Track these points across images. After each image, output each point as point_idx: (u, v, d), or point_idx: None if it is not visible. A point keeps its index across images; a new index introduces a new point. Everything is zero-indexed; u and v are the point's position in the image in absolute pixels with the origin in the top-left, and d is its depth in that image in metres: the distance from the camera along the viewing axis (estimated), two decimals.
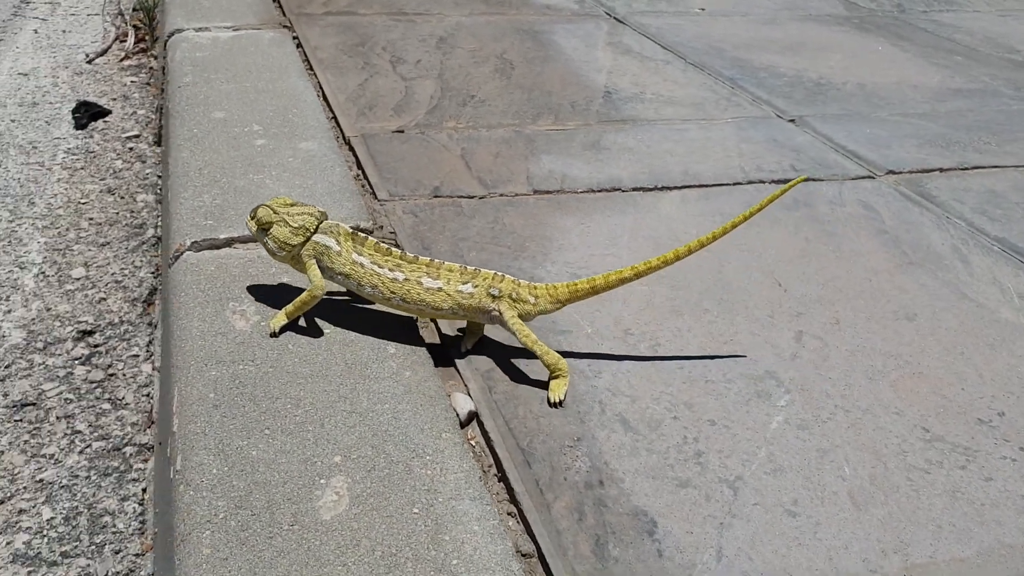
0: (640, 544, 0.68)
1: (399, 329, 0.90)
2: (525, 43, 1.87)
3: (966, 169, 1.43)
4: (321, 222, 0.89)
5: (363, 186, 1.22)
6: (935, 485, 0.76)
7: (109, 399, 1.21)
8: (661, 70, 1.78)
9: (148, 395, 1.20)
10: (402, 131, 1.40)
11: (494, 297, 0.84)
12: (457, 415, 0.79)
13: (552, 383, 0.83)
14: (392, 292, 0.85)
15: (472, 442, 0.78)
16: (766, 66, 1.85)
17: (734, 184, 1.31)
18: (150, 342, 1.31)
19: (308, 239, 0.88)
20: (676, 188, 1.28)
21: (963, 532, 0.72)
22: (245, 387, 0.80)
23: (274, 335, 0.87)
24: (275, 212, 0.89)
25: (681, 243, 1.11)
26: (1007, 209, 1.29)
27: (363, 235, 0.88)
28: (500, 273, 0.85)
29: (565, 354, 0.88)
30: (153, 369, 1.26)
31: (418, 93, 1.56)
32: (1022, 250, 1.18)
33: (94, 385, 1.23)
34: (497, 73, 1.68)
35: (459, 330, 0.92)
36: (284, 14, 1.94)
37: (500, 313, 0.84)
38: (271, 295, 0.94)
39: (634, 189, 1.26)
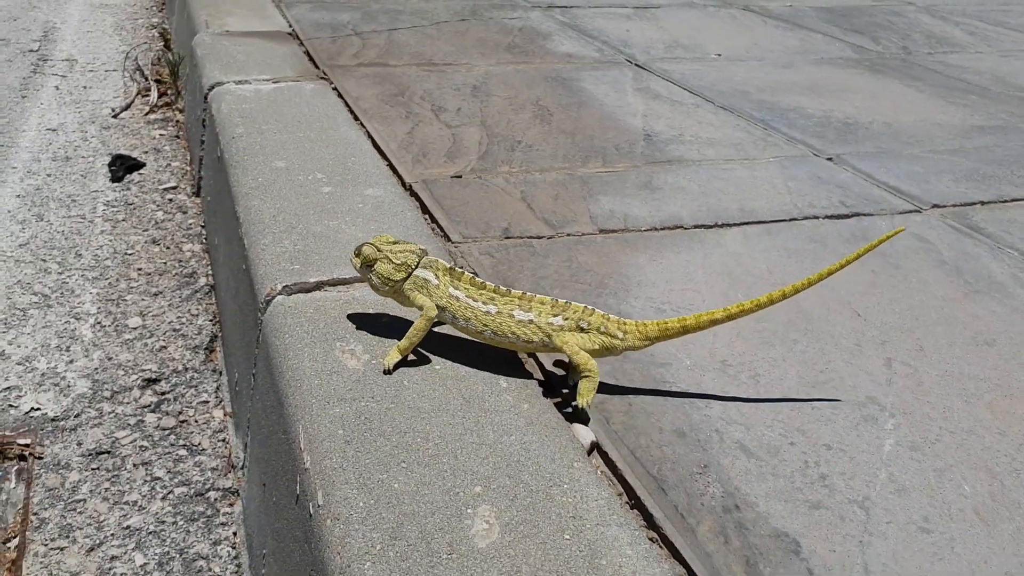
0: (789, 563, 0.69)
1: (505, 364, 0.91)
2: (556, 90, 1.91)
3: (1006, 202, 1.47)
4: (421, 258, 0.92)
5: (434, 229, 1.24)
6: None
7: (185, 445, 1.22)
8: (693, 113, 1.82)
9: (224, 440, 1.21)
10: (460, 176, 1.42)
11: (583, 330, 0.86)
12: (581, 445, 0.80)
13: (582, 384, 0.84)
14: (485, 325, 0.88)
15: (599, 471, 0.79)
16: (793, 107, 1.90)
17: (791, 220, 1.34)
18: (218, 388, 1.32)
19: (410, 274, 0.92)
20: (736, 225, 1.31)
21: None
22: (372, 423, 0.80)
23: (388, 372, 0.88)
24: (379, 250, 0.92)
25: (753, 278, 1.14)
26: None
27: (460, 270, 0.90)
28: (591, 307, 0.87)
29: (668, 386, 0.90)
30: (225, 415, 1.26)
31: (465, 140, 1.59)
32: None
33: (167, 432, 1.23)
34: (537, 119, 1.72)
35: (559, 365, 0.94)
36: (317, 66, 1.97)
37: (565, 342, 0.85)
38: (376, 333, 0.95)
39: (695, 227, 1.29)
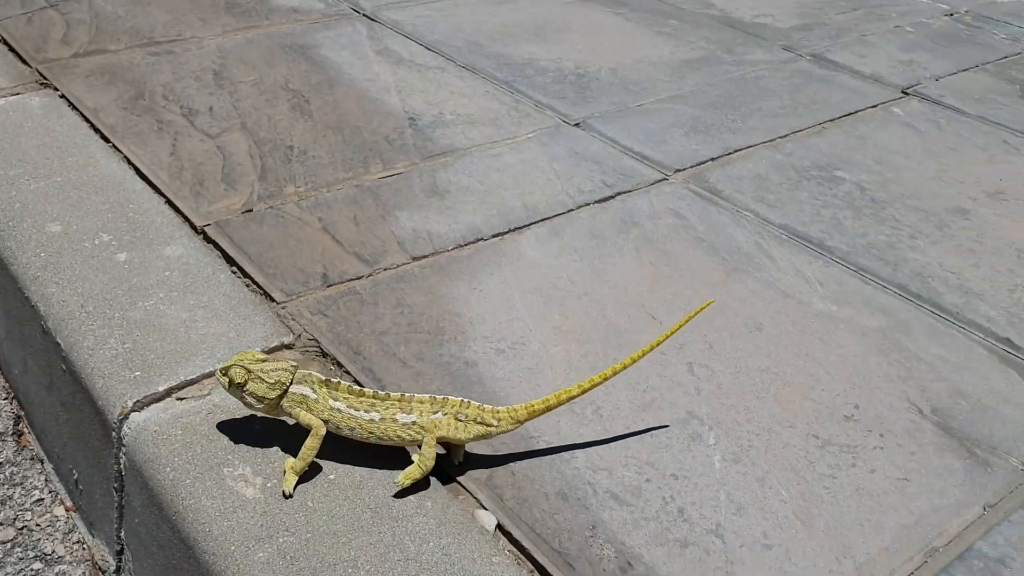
0: None
1: (390, 455, 0.99)
2: (300, 65, 1.88)
3: (730, 155, 1.70)
4: (294, 374, 0.96)
5: (253, 290, 1.24)
6: (844, 487, 1.02)
7: (37, 556, 1.18)
8: (440, 80, 1.88)
9: (80, 542, 1.19)
10: (251, 210, 1.41)
11: (460, 421, 0.96)
12: (488, 531, 0.92)
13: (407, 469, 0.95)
14: (370, 432, 0.95)
15: (508, 551, 0.92)
16: (527, 60, 2.01)
17: (567, 212, 1.48)
18: (46, 480, 1.27)
19: (285, 391, 0.95)
20: (525, 227, 1.42)
21: (877, 524, 0.97)
22: (298, 561, 0.87)
23: (289, 496, 0.94)
24: (249, 371, 0.95)
25: (561, 292, 1.27)
26: (777, 193, 1.58)
27: (336, 380, 0.96)
28: (467, 400, 0.96)
29: (535, 439, 1.03)
30: (68, 510, 1.23)
31: (235, 153, 1.55)
32: (804, 234, 1.47)
33: (10, 545, 1.19)
34: (296, 112, 1.70)
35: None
36: (28, 64, 1.78)
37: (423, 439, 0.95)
38: (257, 445, 0.99)
39: (493, 236, 1.39)
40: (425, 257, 1.34)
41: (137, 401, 1.05)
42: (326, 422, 0.95)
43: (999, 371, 1.20)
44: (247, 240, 1.34)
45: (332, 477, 0.97)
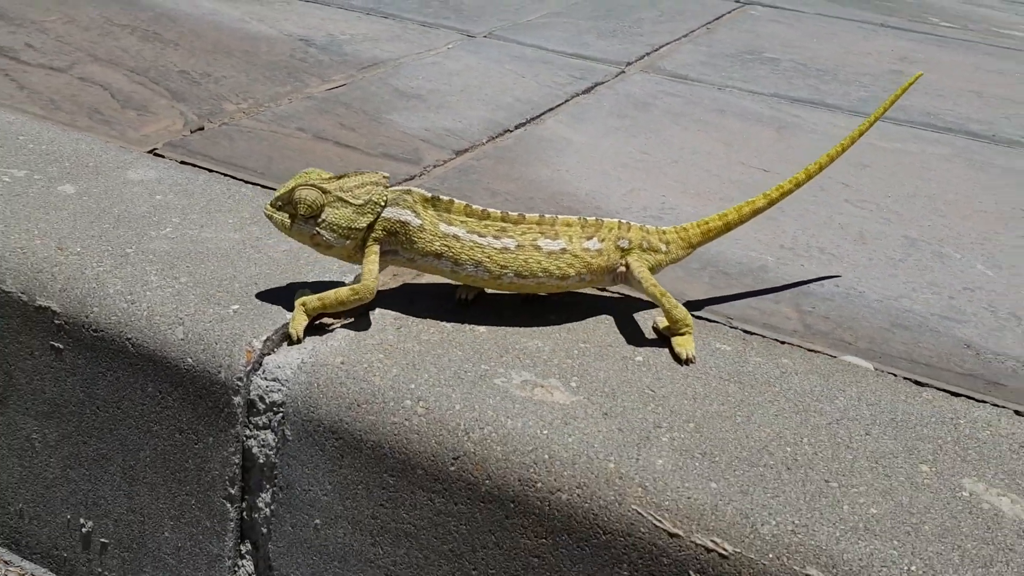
0: None
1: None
2: (110, 6, 1.44)
3: (658, 50, 1.56)
4: (387, 190, 0.67)
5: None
6: None
7: None
8: (296, 10, 1.54)
9: None
10: (202, 128, 1.01)
11: (623, 251, 0.70)
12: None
13: (678, 340, 0.69)
14: (503, 267, 0.67)
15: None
16: None
17: (566, 101, 1.24)
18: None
19: (378, 217, 0.66)
20: (538, 117, 1.17)
21: None
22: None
23: (298, 340, 0.66)
24: (324, 191, 0.66)
25: (646, 161, 1.01)
26: (735, 72, 1.47)
27: (447, 198, 0.67)
28: (626, 221, 0.71)
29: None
30: None
31: (114, 83, 1.12)
32: (798, 98, 1.37)
33: None
34: (153, 42, 1.29)
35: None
36: None
37: (628, 268, 0.70)
38: (513, 344, 0.65)
39: (516, 127, 1.12)
40: (468, 151, 1.04)
41: (268, 338, 0.66)
42: (438, 256, 0.66)
43: None
44: (234, 155, 0.95)
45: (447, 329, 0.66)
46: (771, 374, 0.67)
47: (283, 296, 0.70)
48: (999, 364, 0.72)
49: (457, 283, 0.71)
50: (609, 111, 1.23)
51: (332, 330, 0.67)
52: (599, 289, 0.75)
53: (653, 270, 0.71)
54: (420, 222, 0.66)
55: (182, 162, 0.92)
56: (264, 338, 0.66)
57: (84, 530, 0.75)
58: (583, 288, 0.71)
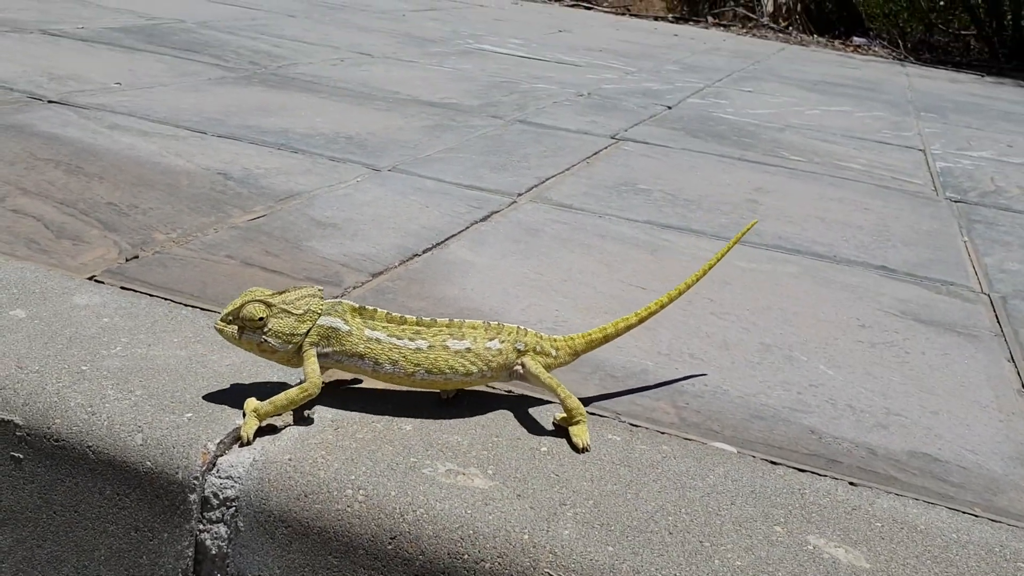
0: None
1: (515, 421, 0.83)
2: (31, 141, 1.53)
3: (545, 182, 1.74)
4: (323, 302, 0.81)
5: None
6: None
7: None
8: (208, 145, 1.65)
9: None
10: (136, 256, 1.10)
11: (520, 352, 0.83)
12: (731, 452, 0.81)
13: (573, 429, 0.81)
14: (416, 364, 0.79)
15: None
16: (281, 129, 1.85)
17: (467, 228, 1.38)
18: None
19: (314, 324, 0.79)
20: (443, 242, 1.31)
21: None
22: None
23: (248, 443, 0.75)
24: (269, 305, 0.77)
25: (541, 281, 1.16)
26: (612, 201, 1.65)
27: (371, 308, 0.80)
28: (523, 328, 0.84)
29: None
30: None
31: (46, 214, 1.20)
32: (666, 224, 1.55)
33: None
34: (77, 176, 1.38)
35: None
36: None
37: (525, 367, 0.82)
38: (440, 438, 0.76)
39: (424, 251, 1.25)
40: (382, 273, 1.16)
41: (220, 441, 0.75)
42: (360, 357, 0.78)
43: None
44: (170, 281, 1.04)
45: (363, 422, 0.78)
46: (654, 458, 0.80)
47: (230, 404, 0.80)
48: (837, 445, 0.87)
49: (379, 382, 0.83)
50: (505, 236, 1.37)
51: (278, 432, 0.77)
52: (497, 385, 0.87)
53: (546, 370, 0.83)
54: (349, 328, 0.78)
55: (122, 287, 1.01)
56: (218, 441, 0.75)
57: None
58: (484, 383, 0.83)
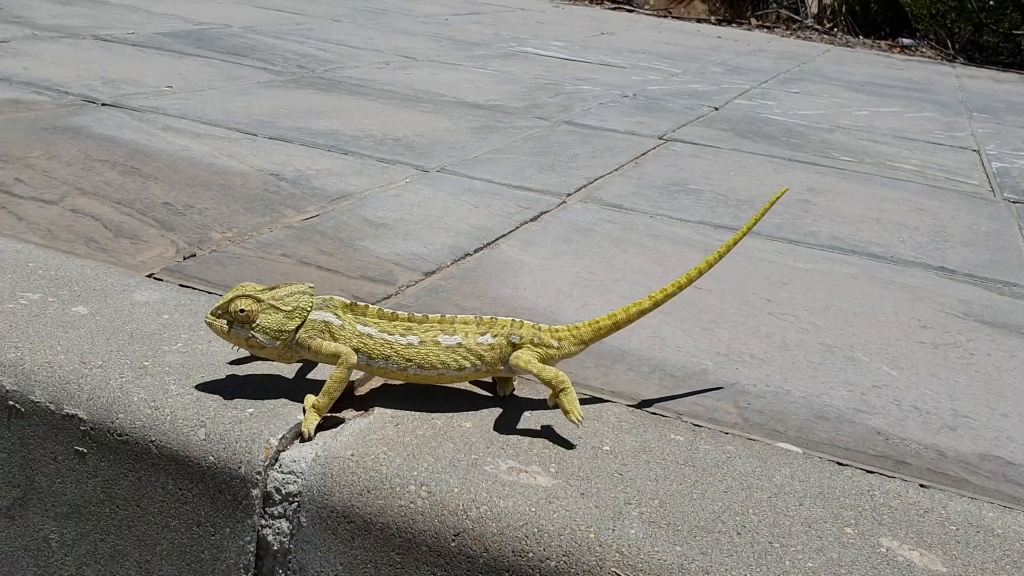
0: None
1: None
2: (86, 143, 1.55)
3: (594, 183, 1.73)
4: (313, 298, 0.80)
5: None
6: None
7: None
8: (261, 147, 1.66)
9: None
10: (194, 255, 1.11)
11: (515, 345, 0.80)
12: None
13: (565, 405, 0.77)
14: (408, 360, 0.79)
15: None
16: (330, 131, 1.87)
17: (516, 228, 1.38)
18: None
19: (304, 320, 0.78)
20: (493, 242, 1.30)
21: None
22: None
23: (308, 438, 0.76)
24: (258, 300, 0.77)
25: (595, 280, 1.12)
26: (664, 202, 1.64)
27: (362, 304, 0.80)
28: (519, 320, 0.81)
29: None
30: None
31: (104, 214, 1.21)
32: (719, 224, 1.53)
33: None
34: (133, 176, 1.39)
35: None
36: None
37: (508, 362, 0.80)
38: (506, 435, 0.75)
39: (476, 251, 1.25)
40: (435, 272, 1.16)
41: (282, 436, 0.75)
42: (355, 351, 0.78)
43: None
44: (227, 278, 1.05)
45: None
46: (718, 458, 0.78)
47: (290, 399, 0.80)
48: (904, 447, 0.85)
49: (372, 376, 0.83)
50: (556, 236, 1.37)
51: (339, 427, 0.77)
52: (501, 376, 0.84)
53: (545, 362, 0.81)
54: (341, 323, 0.79)
55: (181, 285, 1.02)
56: (280, 436, 0.75)
57: None
58: (482, 377, 0.82)
